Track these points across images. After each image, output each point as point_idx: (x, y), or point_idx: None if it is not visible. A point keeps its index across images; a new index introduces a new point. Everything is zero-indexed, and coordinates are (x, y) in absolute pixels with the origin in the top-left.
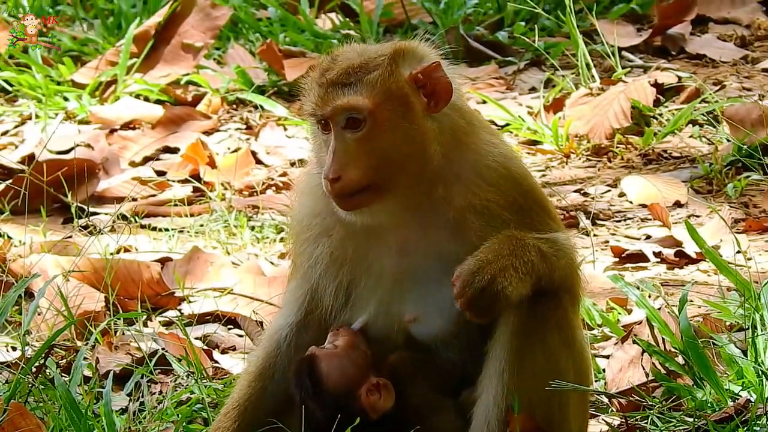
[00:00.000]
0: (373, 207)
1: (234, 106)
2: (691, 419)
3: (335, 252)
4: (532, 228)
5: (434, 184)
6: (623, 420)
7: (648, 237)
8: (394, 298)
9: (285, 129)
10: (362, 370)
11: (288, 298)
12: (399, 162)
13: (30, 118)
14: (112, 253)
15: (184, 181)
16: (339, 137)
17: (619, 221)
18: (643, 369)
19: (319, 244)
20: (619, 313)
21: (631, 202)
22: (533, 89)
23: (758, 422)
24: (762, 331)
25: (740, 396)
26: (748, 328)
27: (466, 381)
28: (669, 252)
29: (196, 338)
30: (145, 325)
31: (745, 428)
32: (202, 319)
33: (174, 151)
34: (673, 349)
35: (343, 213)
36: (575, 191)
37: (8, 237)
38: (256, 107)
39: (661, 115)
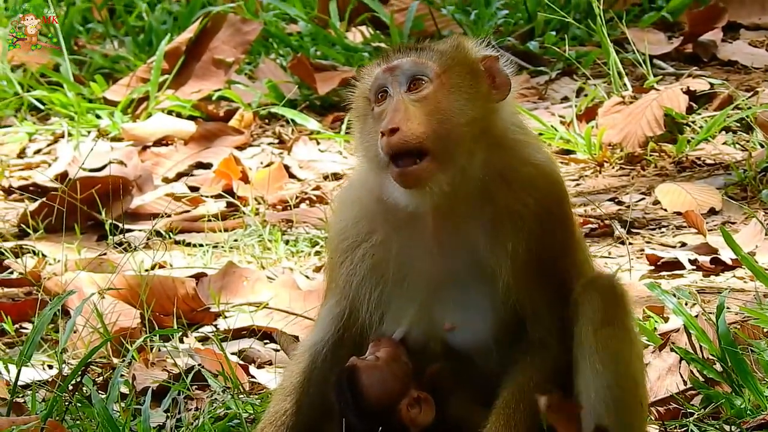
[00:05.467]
0: (429, 186)
1: (266, 120)
2: (730, 427)
3: (377, 255)
4: (552, 249)
5: (480, 178)
6: (662, 428)
7: (683, 244)
8: (434, 305)
9: (318, 143)
10: (403, 383)
11: (324, 314)
12: (459, 128)
13: (63, 136)
14: (147, 270)
15: (218, 197)
16: (400, 97)
17: (654, 229)
18: (681, 377)
19: (359, 251)
20: (656, 321)
21: (665, 210)
22: (565, 98)
23: None
24: None
25: None
26: None
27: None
28: (705, 259)
29: (232, 353)
30: (181, 341)
31: None
32: (238, 334)
33: (207, 166)
34: (710, 357)
35: (401, 194)
36: (609, 200)
37: (43, 255)
38: (288, 121)
39: (694, 122)
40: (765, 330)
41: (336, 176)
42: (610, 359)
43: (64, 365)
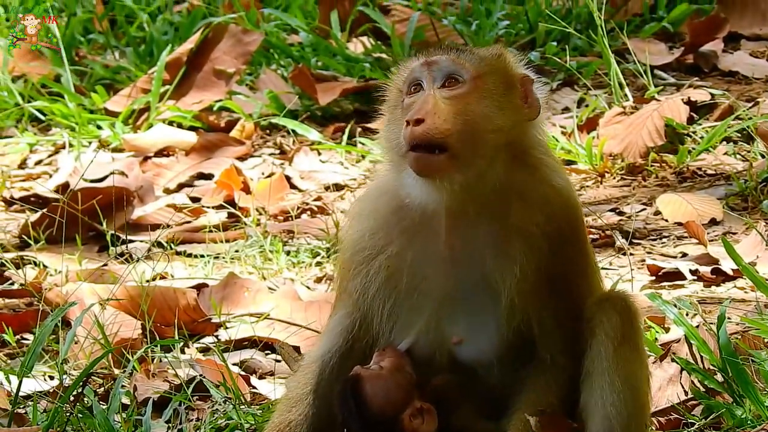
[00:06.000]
0: (444, 181)
1: (267, 131)
2: None
3: (392, 266)
4: (564, 272)
5: (497, 190)
6: None
7: (684, 255)
8: (443, 317)
9: (319, 153)
10: (407, 393)
11: (333, 325)
12: (484, 134)
13: (64, 147)
14: (148, 281)
15: (219, 207)
16: (431, 92)
17: (655, 240)
18: (682, 387)
19: (375, 262)
20: (657, 332)
21: (666, 221)
22: (566, 109)
23: None
24: None
25: None
26: None
27: (506, 405)
28: (706, 269)
29: (233, 364)
30: (182, 351)
31: None
32: (239, 344)
33: (208, 177)
34: (711, 367)
35: (415, 185)
36: (610, 210)
37: (44, 266)
38: (289, 132)
39: (695, 132)
40: (766, 340)
41: (337, 187)
42: (627, 377)
43: (65, 376)
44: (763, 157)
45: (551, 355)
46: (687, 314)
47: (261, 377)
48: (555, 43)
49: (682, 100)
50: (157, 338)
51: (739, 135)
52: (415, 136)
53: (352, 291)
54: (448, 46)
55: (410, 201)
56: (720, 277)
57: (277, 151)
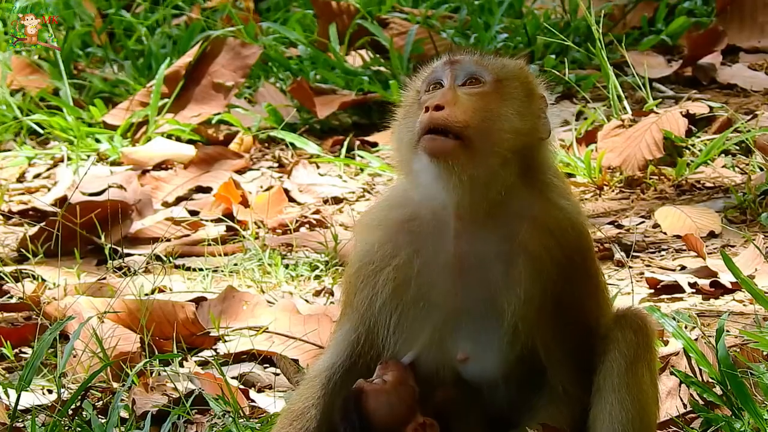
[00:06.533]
0: (455, 167)
1: (266, 144)
2: None
3: (399, 277)
4: (572, 298)
5: (507, 210)
6: None
7: (683, 268)
8: (448, 332)
9: (317, 167)
10: (410, 408)
11: (339, 339)
12: (502, 133)
13: (62, 161)
14: (146, 294)
15: (218, 221)
16: (452, 87)
17: (654, 252)
18: (681, 400)
19: (382, 275)
20: (656, 345)
21: (665, 233)
22: (565, 122)
23: None
24: None
25: None
26: None
27: (509, 422)
28: (704, 282)
29: (232, 377)
30: (180, 365)
31: None
32: (238, 358)
33: (207, 190)
34: (710, 380)
35: (427, 173)
36: (609, 223)
37: (42, 280)
38: (288, 145)
39: (693, 145)
40: (765, 353)
41: (336, 200)
42: (637, 395)
43: (63, 390)
44: (761, 169)
45: (563, 386)
46: (686, 327)
47: (260, 390)
48: (553, 56)
49: (681, 112)
50: (156, 352)
51: (738, 148)
52: (434, 119)
53: (358, 305)
54: (470, 49)
55: (420, 199)
56: (719, 290)
57: (276, 165)
